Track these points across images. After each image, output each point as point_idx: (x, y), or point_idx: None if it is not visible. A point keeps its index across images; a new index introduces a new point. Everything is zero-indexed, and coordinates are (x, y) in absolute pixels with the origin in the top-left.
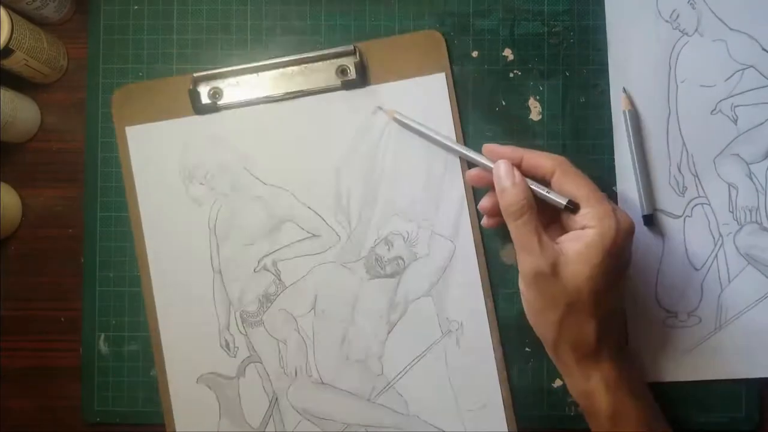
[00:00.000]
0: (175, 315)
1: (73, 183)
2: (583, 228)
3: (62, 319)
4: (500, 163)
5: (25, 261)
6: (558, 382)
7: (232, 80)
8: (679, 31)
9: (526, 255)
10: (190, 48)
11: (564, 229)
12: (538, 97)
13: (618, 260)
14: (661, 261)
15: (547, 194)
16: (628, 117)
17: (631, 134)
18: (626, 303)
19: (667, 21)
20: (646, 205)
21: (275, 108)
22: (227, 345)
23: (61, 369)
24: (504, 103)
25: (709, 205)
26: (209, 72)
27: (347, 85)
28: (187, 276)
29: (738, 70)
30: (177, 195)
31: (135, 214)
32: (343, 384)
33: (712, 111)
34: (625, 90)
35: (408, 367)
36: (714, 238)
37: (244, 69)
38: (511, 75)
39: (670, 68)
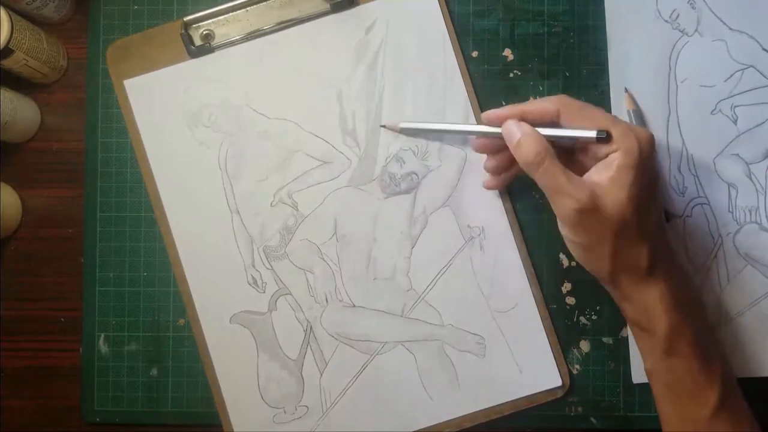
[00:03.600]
0: (200, 261)
1: (73, 183)
2: (606, 155)
3: (62, 319)
4: (506, 123)
5: (25, 261)
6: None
7: (221, 19)
8: (679, 31)
9: (562, 197)
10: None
11: (583, 168)
12: (538, 97)
13: (649, 174)
14: None
15: (572, 134)
16: (632, 116)
17: None
18: None
19: (666, 21)
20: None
21: (268, 41)
22: (255, 282)
23: (61, 369)
24: (504, 103)
25: (709, 205)
26: (198, 14)
27: (336, 8)
28: (206, 220)
29: (738, 70)
30: (184, 141)
31: (146, 168)
32: (375, 304)
33: (712, 111)
34: (627, 90)
35: (436, 279)
36: (714, 238)
37: (232, 6)
38: (511, 75)
39: (670, 68)
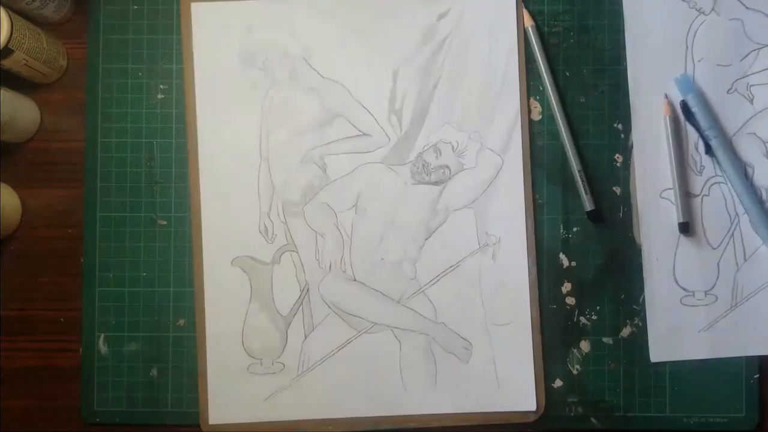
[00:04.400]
0: (218, 196)
1: (73, 183)
2: None
3: (62, 319)
4: None
5: (25, 261)
6: (558, 383)
7: None
8: (696, 10)
9: None
10: None
11: None
12: (538, 97)
13: None
14: (679, 240)
15: None
16: (668, 122)
17: (671, 140)
18: (644, 283)
19: (683, 0)
20: (683, 213)
21: (342, 1)
22: (266, 231)
23: (61, 369)
24: None
25: (726, 183)
26: None
27: None
28: (235, 159)
29: (754, 50)
30: (234, 77)
31: (189, 92)
32: (375, 283)
33: (729, 90)
34: (666, 96)
35: (441, 275)
36: (730, 217)
37: None
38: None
39: (687, 47)
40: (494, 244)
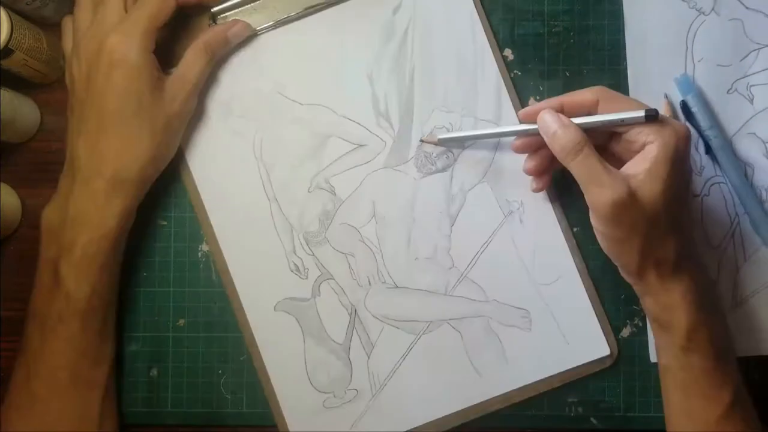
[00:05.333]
0: (242, 250)
1: None
2: (643, 146)
3: None
4: (542, 114)
5: (25, 261)
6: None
7: (248, 8)
8: (696, 10)
9: (598, 188)
10: None
11: (617, 162)
12: (538, 97)
13: (684, 169)
14: None
15: (619, 117)
16: None
17: None
18: None
19: (683, 0)
20: None
21: (297, 27)
22: (297, 268)
23: None
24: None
25: (726, 183)
26: (224, 5)
27: None
28: (245, 210)
29: (754, 50)
30: (217, 131)
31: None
32: (417, 283)
33: (728, 90)
34: (666, 96)
35: (477, 255)
36: (731, 217)
37: None
38: (512, 75)
39: (687, 47)
40: (518, 209)
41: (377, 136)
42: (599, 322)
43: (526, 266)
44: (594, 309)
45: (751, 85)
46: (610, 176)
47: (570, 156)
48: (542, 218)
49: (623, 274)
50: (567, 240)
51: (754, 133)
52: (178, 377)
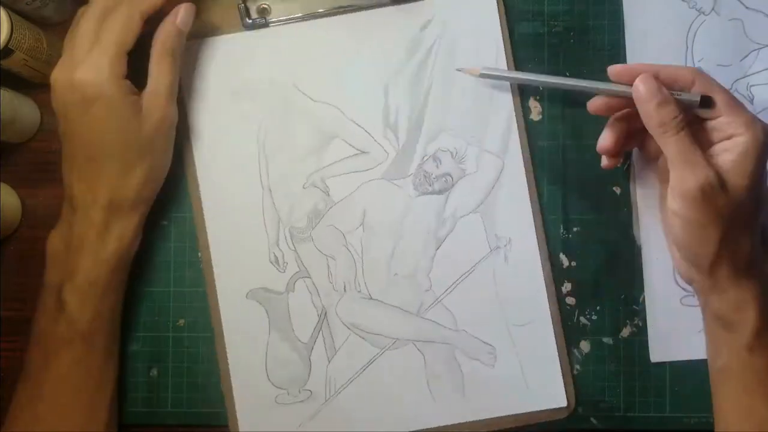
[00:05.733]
0: (226, 232)
1: None
2: (729, 137)
3: None
4: (641, 80)
5: (25, 261)
6: None
7: None
8: (696, 9)
9: (691, 169)
10: None
11: (703, 147)
12: (538, 97)
13: (765, 169)
14: None
15: (679, 96)
16: None
17: None
18: (644, 282)
19: (683, 0)
20: None
21: (324, 24)
22: (276, 260)
23: None
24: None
25: None
26: None
27: (397, 0)
28: (237, 193)
29: (754, 50)
30: (226, 112)
31: (183, 132)
32: (392, 299)
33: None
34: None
35: (456, 283)
36: None
37: None
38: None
39: (687, 47)
40: (505, 246)
41: (381, 146)
42: (562, 372)
43: (502, 304)
44: (559, 359)
45: (751, 85)
46: (704, 158)
47: (669, 132)
48: (527, 260)
49: (688, 272)
50: (547, 286)
51: None
52: (178, 377)
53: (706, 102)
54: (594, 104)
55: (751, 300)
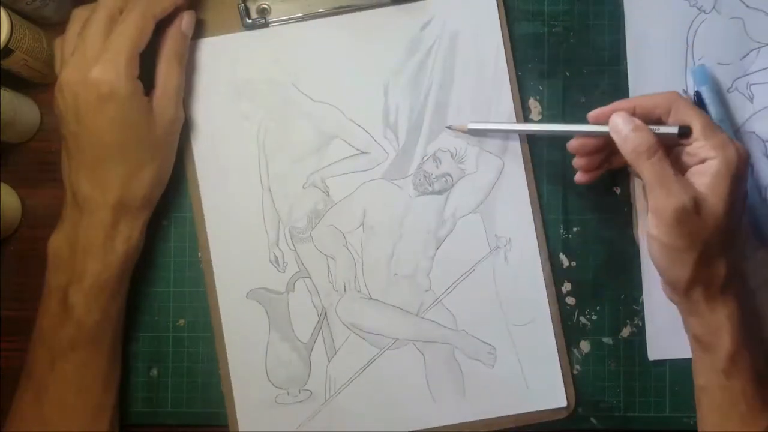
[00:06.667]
0: (226, 232)
1: None
2: (703, 161)
3: None
4: (615, 115)
5: (25, 261)
6: None
7: None
8: (697, 8)
9: (666, 191)
10: None
11: (682, 171)
12: (538, 97)
13: (742, 190)
14: None
15: (657, 130)
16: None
17: None
18: (643, 281)
19: None
20: None
21: (324, 24)
22: (276, 260)
23: None
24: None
25: None
26: None
27: (397, 0)
28: (237, 193)
29: (754, 48)
30: (226, 112)
31: (184, 133)
32: (392, 299)
33: (729, 89)
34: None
35: (456, 283)
36: None
37: None
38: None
39: (688, 46)
40: (505, 246)
41: (381, 146)
42: (562, 372)
43: (502, 304)
44: (559, 359)
45: (751, 84)
46: (679, 182)
47: (642, 158)
48: (527, 260)
49: (668, 292)
50: (547, 286)
51: (754, 132)
52: (178, 377)
53: (684, 132)
54: (571, 146)
55: (726, 323)
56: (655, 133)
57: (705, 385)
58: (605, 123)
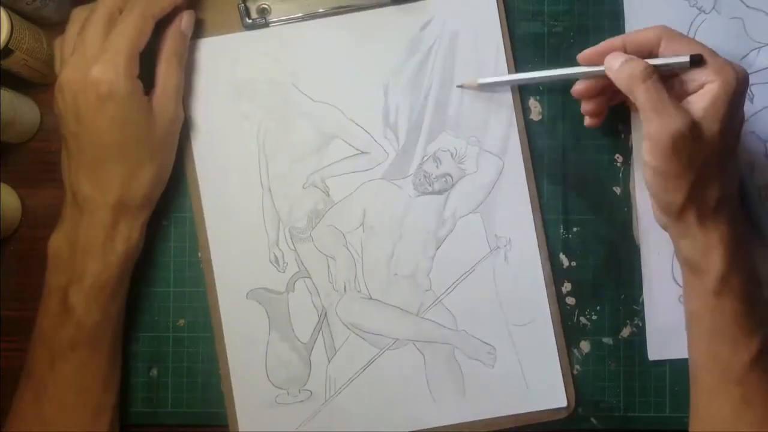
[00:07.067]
0: (226, 232)
1: None
2: (702, 85)
3: None
4: (610, 56)
5: (25, 261)
6: None
7: None
8: (697, 8)
9: (661, 117)
10: None
11: (676, 98)
12: (538, 97)
13: (740, 111)
14: None
15: (665, 61)
16: None
17: None
18: (643, 281)
19: None
20: None
21: (324, 23)
22: (276, 260)
23: None
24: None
25: None
26: None
27: (397, 0)
28: (237, 193)
29: (754, 49)
30: (226, 112)
31: (183, 132)
32: (392, 299)
33: None
34: None
35: (456, 283)
36: None
37: None
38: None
39: None
40: (505, 246)
41: (381, 146)
42: (562, 372)
43: (502, 304)
44: (559, 359)
45: (751, 84)
46: (674, 107)
47: (637, 81)
48: (527, 260)
49: (660, 214)
50: (547, 286)
51: (754, 132)
52: (178, 377)
53: (696, 60)
54: (576, 90)
55: (718, 244)
56: (666, 65)
57: (695, 310)
58: (600, 63)
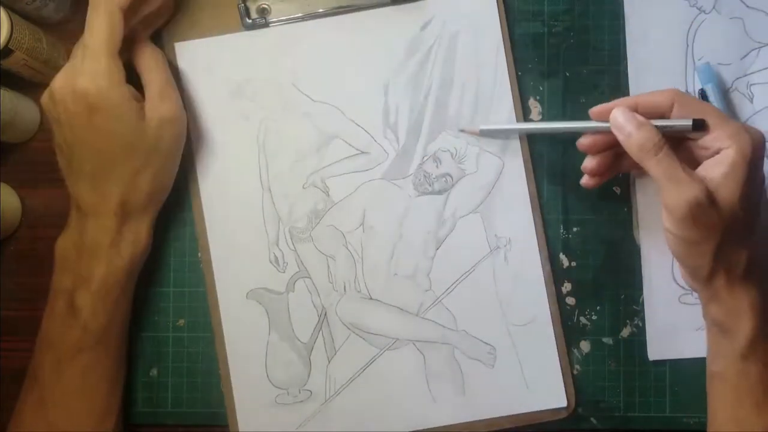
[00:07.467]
0: (225, 232)
1: None
2: (717, 152)
3: None
4: (616, 112)
5: (25, 261)
6: None
7: None
8: (697, 8)
9: (676, 187)
10: None
11: (692, 164)
12: (538, 97)
13: (760, 174)
14: None
15: (670, 124)
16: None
17: None
18: (643, 281)
19: None
20: None
21: (324, 24)
22: (276, 260)
23: None
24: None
25: None
26: None
27: (397, 0)
28: (237, 193)
29: (754, 48)
30: (226, 112)
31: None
32: (392, 299)
33: (729, 89)
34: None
35: (456, 283)
36: None
37: None
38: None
39: (688, 46)
40: (505, 246)
41: (381, 146)
42: (562, 372)
43: (502, 304)
44: (559, 359)
45: (751, 84)
46: (688, 176)
47: (649, 155)
48: (527, 261)
49: (688, 279)
50: (547, 286)
51: None
52: (178, 377)
53: (699, 125)
54: (581, 144)
55: (748, 309)
56: (668, 126)
57: (720, 371)
58: (607, 119)
